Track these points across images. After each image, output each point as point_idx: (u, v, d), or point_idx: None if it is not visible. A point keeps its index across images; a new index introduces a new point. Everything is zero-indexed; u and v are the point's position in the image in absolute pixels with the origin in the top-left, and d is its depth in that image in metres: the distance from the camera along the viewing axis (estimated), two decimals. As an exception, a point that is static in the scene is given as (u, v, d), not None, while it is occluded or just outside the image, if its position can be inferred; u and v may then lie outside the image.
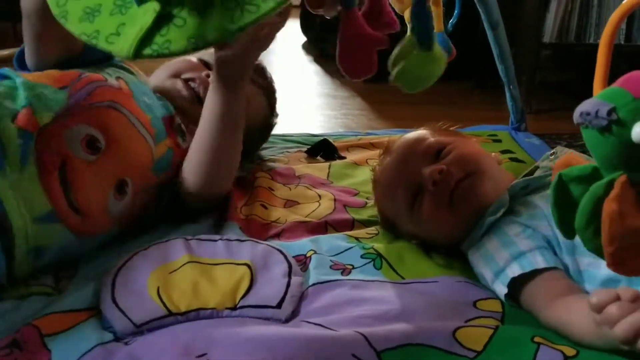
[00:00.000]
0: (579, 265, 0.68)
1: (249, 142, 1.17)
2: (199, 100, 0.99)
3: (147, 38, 0.58)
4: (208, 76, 1.02)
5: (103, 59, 0.91)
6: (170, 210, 0.90)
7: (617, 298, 0.51)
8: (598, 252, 0.47)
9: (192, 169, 0.87)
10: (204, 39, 0.59)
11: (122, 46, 0.58)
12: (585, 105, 0.46)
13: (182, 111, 0.96)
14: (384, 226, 0.89)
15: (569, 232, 0.50)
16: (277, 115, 1.22)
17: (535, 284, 0.67)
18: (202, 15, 0.60)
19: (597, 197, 0.46)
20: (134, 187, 0.81)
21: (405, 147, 0.85)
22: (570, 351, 0.58)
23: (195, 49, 0.61)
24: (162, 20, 0.59)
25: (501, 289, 0.69)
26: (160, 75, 1.01)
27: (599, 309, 0.51)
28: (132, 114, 0.83)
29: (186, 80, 1.01)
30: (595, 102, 0.45)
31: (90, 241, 0.78)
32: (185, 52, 0.60)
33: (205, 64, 1.04)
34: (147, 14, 0.59)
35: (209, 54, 1.06)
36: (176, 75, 1.01)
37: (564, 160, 0.50)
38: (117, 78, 0.87)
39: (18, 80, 0.76)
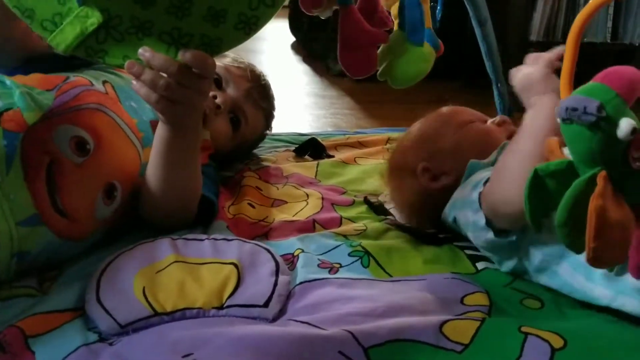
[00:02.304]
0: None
1: (239, 152, 1.18)
2: (204, 121, 0.99)
3: (85, 40, 0.67)
4: (215, 97, 1.03)
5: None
6: None
7: None
8: (575, 247, 0.47)
9: (144, 197, 0.82)
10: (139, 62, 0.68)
11: (59, 42, 0.66)
12: (570, 101, 0.46)
13: None
14: (411, 151, 0.91)
15: (538, 224, 0.50)
16: (271, 129, 1.26)
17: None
18: (139, 40, 0.68)
19: (579, 193, 0.46)
20: (123, 192, 0.80)
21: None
22: (558, 342, 0.59)
23: None
24: (100, 27, 0.67)
25: (476, 193, 0.73)
26: None
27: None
28: (119, 116, 0.83)
29: None
30: (581, 98, 0.45)
31: (75, 245, 0.76)
32: (119, 67, 0.70)
33: (215, 80, 1.05)
34: (89, 20, 0.66)
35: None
36: None
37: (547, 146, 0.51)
38: (104, 82, 0.86)
39: (7, 81, 0.74)
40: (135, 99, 0.88)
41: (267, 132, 1.26)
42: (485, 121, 0.92)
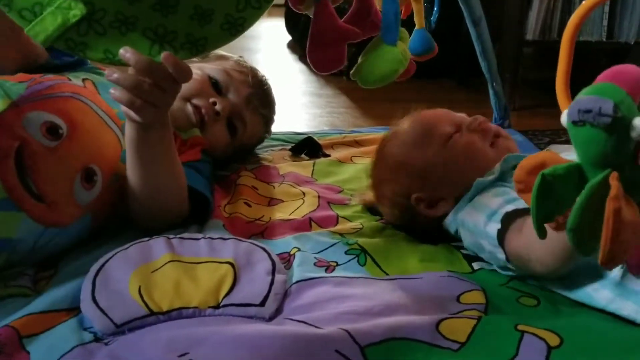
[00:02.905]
0: None
1: (238, 155, 1.18)
2: (202, 126, 1.02)
3: (65, 32, 0.64)
4: (214, 104, 1.02)
5: (74, 65, 0.92)
6: None
7: None
8: (586, 250, 0.47)
9: (130, 201, 0.82)
10: (118, 58, 0.66)
11: (38, 31, 0.64)
12: (582, 103, 0.44)
13: (178, 128, 0.96)
14: (394, 181, 0.88)
15: (543, 230, 0.50)
16: (270, 133, 1.27)
17: (524, 220, 0.69)
18: (122, 34, 0.66)
19: (593, 196, 0.45)
20: (104, 176, 0.79)
21: (432, 113, 0.91)
22: (554, 340, 0.59)
23: (110, 63, 0.68)
24: (83, 19, 0.65)
25: (493, 227, 0.70)
26: None
27: None
28: (96, 105, 0.83)
29: (196, 106, 1.02)
30: (594, 99, 0.44)
31: (63, 233, 0.76)
32: (99, 61, 0.68)
33: (214, 84, 1.06)
34: (71, 12, 0.62)
35: (215, 70, 1.07)
36: (185, 97, 1.01)
37: (538, 159, 0.50)
38: (84, 79, 0.86)
39: None
40: None
41: (266, 135, 1.26)
42: (460, 125, 0.86)
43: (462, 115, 0.90)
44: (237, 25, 0.67)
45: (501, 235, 0.70)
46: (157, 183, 0.80)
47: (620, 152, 0.44)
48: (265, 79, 1.19)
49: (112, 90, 0.70)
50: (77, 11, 0.63)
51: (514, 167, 0.78)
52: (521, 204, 0.69)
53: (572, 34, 0.49)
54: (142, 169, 0.78)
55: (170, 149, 0.80)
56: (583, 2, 0.49)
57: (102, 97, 0.85)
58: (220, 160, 1.10)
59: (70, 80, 0.83)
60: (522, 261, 0.69)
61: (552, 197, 0.48)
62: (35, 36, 0.64)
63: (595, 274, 0.67)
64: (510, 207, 0.70)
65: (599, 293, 0.66)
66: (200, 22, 0.66)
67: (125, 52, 0.66)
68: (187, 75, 0.69)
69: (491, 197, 0.75)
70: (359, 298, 0.67)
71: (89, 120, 0.80)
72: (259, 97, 1.13)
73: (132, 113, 0.71)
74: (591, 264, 0.65)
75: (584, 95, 0.45)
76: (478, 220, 0.73)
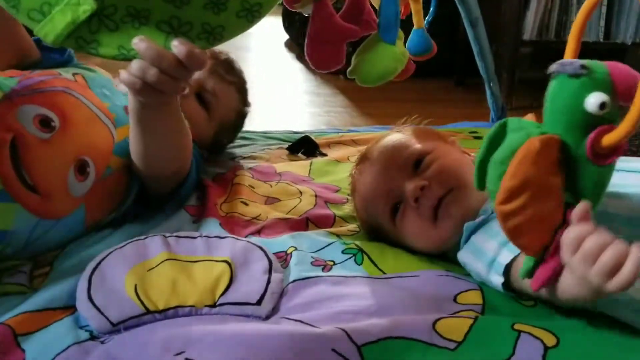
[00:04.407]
0: None
1: (224, 134, 1.17)
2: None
3: (76, 30, 0.62)
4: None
5: (64, 63, 0.92)
6: (146, 207, 0.89)
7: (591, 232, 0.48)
8: (491, 193, 0.49)
9: (132, 155, 0.85)
10: (134, 52, 0.64)
11: (47, 31, 0.61)
12: (565, 59, 0.50)
13: None
14: (367, 233, 0.88)
15: (482, 177, 0.52)
16: (249, 104, 1.23)
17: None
18: (136, 29, 0.63)
19: (527, 137, 0.48)
20: (97, 168, 0.80)
21: (384, 157, 0.83)
22: (550, 340, 0.59)
23: (124, 59, 0.65)
24: (93, 16, 0.62)
25: (497, 280, 0.68)
26: None
27: (574, 248, 0.48)
28: (88, 99, 0.83)
29: None
30: (575, 61, 0.49)
31: (57, 226, 0.76)
32: (113, 58, 0.65)
33: None
34: (81, 8, 0.60)
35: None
36: None
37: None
38: (74, 74, 0.86)
39: None
40: (108, 88, 0.89)
41: (247, 108, 1.23)
42: (398, 197, 0.79)
43: (403, 177, 0.80)
44: (253, 12, 0.65)
45: (508, 286, 0.68)
46: (158, 151, 0.83)
47: (571, 113, 0.48)
48: (223, 51, 1.18)
49: (121, 70, 0.69)
50: (86, 6, 0.61)
51: None
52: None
53: (578, 32, 0.52)
54: (143, 138, 0.80)
55: (174, 121, 0.81)
56: (585, 0, 0.51)
57: (93, 92, 0.86)
58: (211, 146, 1.10)
59: (60, 75, 0.84)
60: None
61: (501, 142, 0.50)
62: (45, 36, 0.62)
63: None
64: (506, 254, 0.68)
65: None
66: (215, 10, 0.64)
67: (139, 42, 0.63)
68: (199, 62, 0.66)
69: (486, 239, 0.72)
70: (355, 297, 0.67)
71: (81, 114, 0.81)
72: (222, 65, 1.14)
73: (134, 93, 0.70)
74: None
75: None
76: (479, 269, 0.71)
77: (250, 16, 0.65)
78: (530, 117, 0.54)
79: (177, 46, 0.64)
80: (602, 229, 0.48)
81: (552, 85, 0.50)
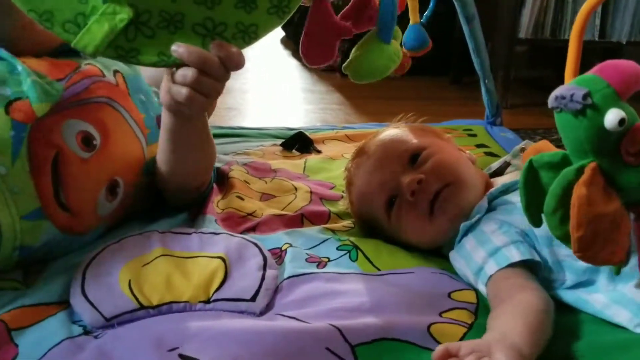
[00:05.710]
0: (557, 256, 0.68)
1: None
2: None
3: (114, 39, 0.61)
4: None
5: None
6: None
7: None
8: (564, 238, 0.48)
9: (158, 170, 0.84)
10: (173, 58, 0.63)
11: (86, 43, 0.61)
12: (560, 90, 0.47)
13: None
14: (361, 228, 0.88)
15: (535, 218, 0.50)
16: None
17: (495, 284, 0.67)
18: (172, 33, 0.63)
19: (567, 182, 0.46)
20: (125, 188, 0.79)
21: (381, 151, 0.84)
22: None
23: (165, 66, 0.63)
24: (129, 24, 0.62)
25: (483, 290, 0.69)
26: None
27: None
28: (128, 111, 0.81)
29: None
30: (570, 87, 0.46)
31: (76, 240, 0.75)
32: (154, 65, 0.64)
33: None
34: (118, 17, 0.60)
35: None
36: None
37: (536, 147, 0.51)
38: (115, 72, 0.83)
39: (19, 66, 0.71)
40: (144, 92, 0.87)
41: None
42: (395, 189, 0.79)
43: (399, 168, 0.80)
44: (283, 7, 0.65)
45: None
46: (191, 165, 0.83)
47: (597, 141, 0.46)
48: None
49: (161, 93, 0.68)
50: (123, 15, 0.60)
51: (502, 192, 0.78)
52: (501, 255, 0.68)
53: (580, 28, 0.51)
54: (174, 154, 0.80)
55: (205, 132, 0.81)
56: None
57: (132, 98, 0.83)
58: None
59: (104, 76, 0.81)
60: None
61: (538, 184, 0.49)
62: (85, 48, 0.61)
63: (589, 278, 0.66)
64: (492, 265, 0.68)
65: (593, 296, 0.65)
66: (247, 9, 0.64)
67: (178, 47, 0.62)
68: (239, 62, 0.65)
69: (475, 246, 0.72)
70: (350, 294, 0.67)
71: (120, 130, 0.79)
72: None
73: (183, 107, 0.68)
74: (590, 266, 0.64)
75: (566, 84, 0.47)
76: (468, 276, 0.72)
77: (280, 12, 0.65)
78: (544, 144, 0.52)
79: (216, 47, 0.63)
80: None
81: (560, 123, 0.47)
